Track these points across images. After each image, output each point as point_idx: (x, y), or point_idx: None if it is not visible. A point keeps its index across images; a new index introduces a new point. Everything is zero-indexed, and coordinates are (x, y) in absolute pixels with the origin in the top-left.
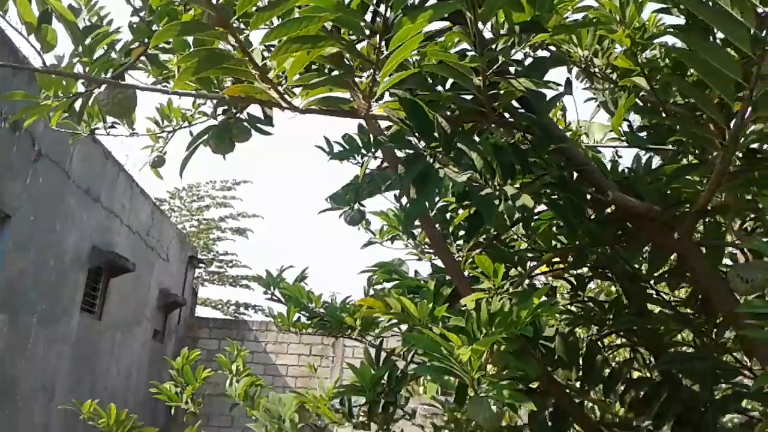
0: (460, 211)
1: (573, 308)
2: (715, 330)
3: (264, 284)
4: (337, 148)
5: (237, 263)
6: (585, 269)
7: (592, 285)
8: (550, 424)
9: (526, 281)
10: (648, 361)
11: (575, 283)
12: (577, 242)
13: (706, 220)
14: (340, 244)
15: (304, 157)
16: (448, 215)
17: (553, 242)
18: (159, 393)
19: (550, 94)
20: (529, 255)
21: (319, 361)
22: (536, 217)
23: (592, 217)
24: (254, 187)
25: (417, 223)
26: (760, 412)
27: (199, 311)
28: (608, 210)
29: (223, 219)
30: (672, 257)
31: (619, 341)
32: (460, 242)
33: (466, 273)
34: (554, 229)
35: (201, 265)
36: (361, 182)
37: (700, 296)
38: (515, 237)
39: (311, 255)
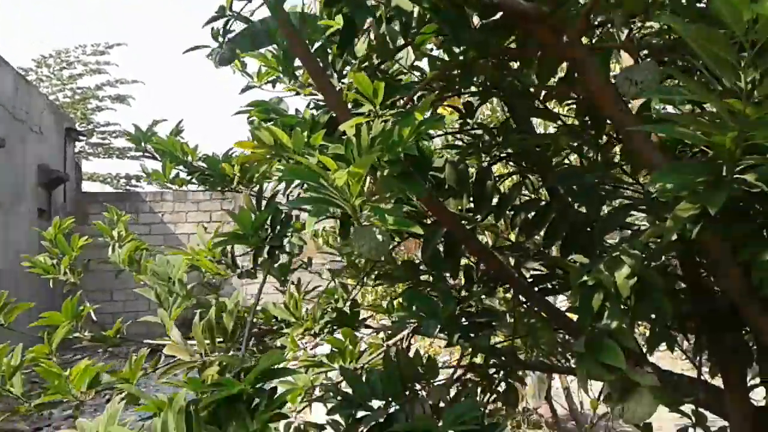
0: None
1: (463, 140)
2: (603, 142)
3: (134, 140)
4: None
5: (120, 134)
6: (473, 95)
7: (481, 113)
8: (442, 253)
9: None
10: (537, 187)
11: (464, 110)
12: (462, 58)
13: (598, 22)
14: (233, 104)
15: (184, 10)
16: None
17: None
18: (33, 267)
19: None
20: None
21: (222, 228)
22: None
23: (479, 26)
24: (130, 50)
25: (298, 63)
26: (648, 220)
27: (88, 187)
28: (495, 17)
29: (99, 87)
30: (563, 65)
31: (509, 170)
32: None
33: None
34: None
35: (81, 137)
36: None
37: (588, 106)
38: (404, 71)
39: (203, 118)
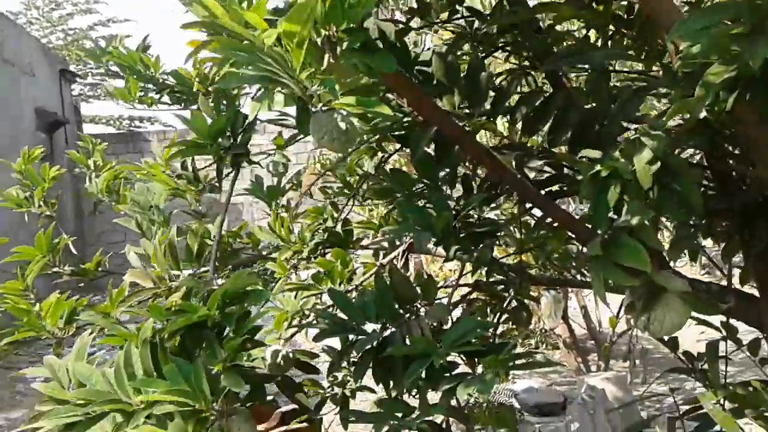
0: None
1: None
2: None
3: (92, 56)
4: None
5: (115, 74)
6: None
7: None
8: (435, 157)
9: None
10: (539, 83)
11: None
12: None
13: None
14: None
15: None
16: None
17: None
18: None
19: None
20: None
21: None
22: None
23: None
24: None
25: None
26: (670, 99)
27: (90, 129)
28: None
29: (92, 27)
30: None
31: (506, 65)
32: None
33: None
34: None
35: (76, 78)
36: None
37: None
38: None
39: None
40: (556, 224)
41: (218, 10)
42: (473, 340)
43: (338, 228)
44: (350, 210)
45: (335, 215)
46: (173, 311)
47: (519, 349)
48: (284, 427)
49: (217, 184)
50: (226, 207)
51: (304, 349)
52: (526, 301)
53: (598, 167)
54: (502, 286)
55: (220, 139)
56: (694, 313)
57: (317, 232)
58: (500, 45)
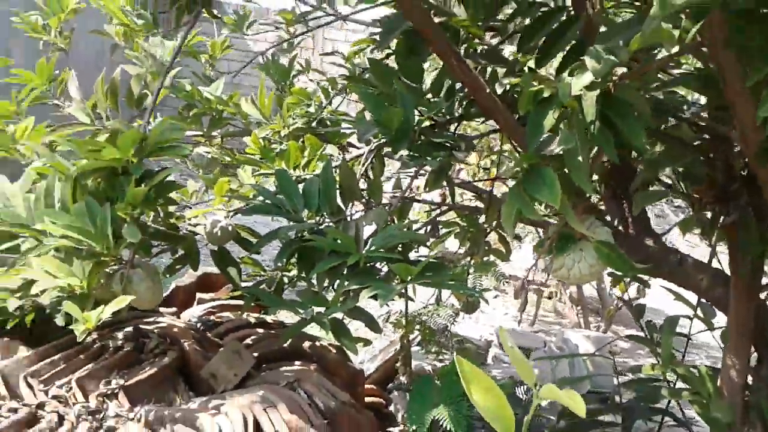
0: None
1: None
2: None
3: None
4: None
5: None
6: None
7: None
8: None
9: None
10: None
11: None
12: None
13: None
14: None
15: None
16: None
17: None
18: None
19: None
20: None
21: None
22: None
23: None
24: None
25: None
26: None
27: None
28: None
29: None
30: None
31: None
32: None
33: None
34: None
35: None
36: None
37: None
38: None
39: None
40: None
41: None
42: (396, 248)
43: (326, 117)
44: (342, 100)
45: (323, 101)
46: (90, 150)
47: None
48: (213, 294)
49: (173, 29)
50: (175, 56)
51: (246, 226)
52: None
53: (536, 85)
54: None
55: None
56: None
57: (302, 116)
58: None
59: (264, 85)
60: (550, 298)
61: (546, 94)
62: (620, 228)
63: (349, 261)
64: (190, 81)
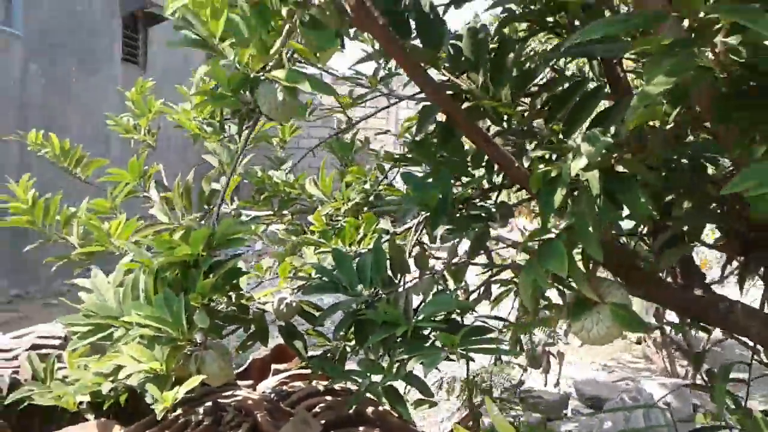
0: None
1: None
2: None
3: None
4: None
5: None
6: None
7: None
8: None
9: None
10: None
11: None
12: None
13: None
14: None
15: None
16: None
17: None
18: (115, 125)
19: None
20: None
21: None
22: None
23: None
24: None
25: None
26: None
27: None
28: None
29: None
30: None
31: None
32: None
33: None
34: None
35: None
36: None
37: None
38: None
39: None
40: None
41: None
42: (441, 316)
43: (380, 191)
44: (395, 175)
45: (379, 177)
46: (167, 246)
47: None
48: (287, 365)
49: (237, 135)
50: (238, 157)
51: (310, 301)
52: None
53: (543, 167)
54: None
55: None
56: None
57: (360, 192)
58: (549, 25)
59: (324, 165)
60: (639, 343)
61: (554, 174)
62: (669, 279)
63: (398, 332)
64: (262, 167)
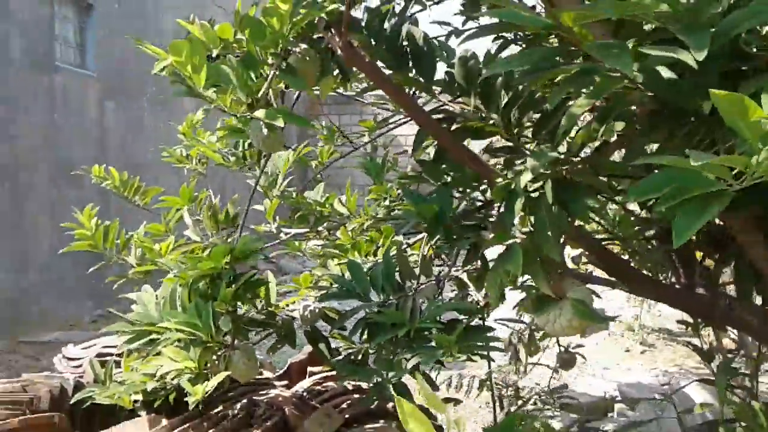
0: None
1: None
2: None
3: None
4: None
5: None
6: None
7: None
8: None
9: None
10: None
11: None
12: None
13: None
14: None
15: None
16: None
17: None
18: (168, 156)
19: None
20: None
21: None
22: None
23: None
24: None
25: None
26: None
27: None
28: None
29: None
30: None
31: None
32: None
33: None
34: None
35: None
36: None
37: None
38: None
39: None
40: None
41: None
42: (437, 318)
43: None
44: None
45: (399, 192)
46: (195, 262)
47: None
48: (321, 367)
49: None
50: (255, 189)
51: (333, 307)
52: None
53: (500, 180)
54: None
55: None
56: None
57: (383, 208)
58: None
59: (350, 186)
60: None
61: (513, 186)
62: (673, 280)
63: (400, 333)
64: (295, 189)
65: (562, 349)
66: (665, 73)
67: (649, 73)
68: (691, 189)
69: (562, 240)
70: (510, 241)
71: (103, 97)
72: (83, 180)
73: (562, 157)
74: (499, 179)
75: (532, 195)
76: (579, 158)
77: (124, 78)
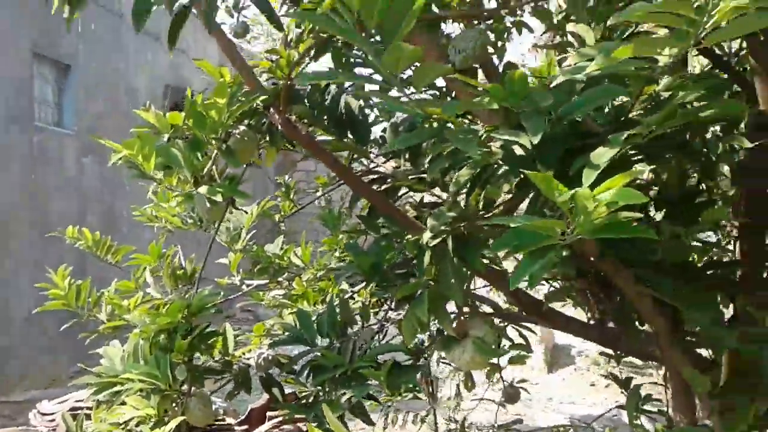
0: None
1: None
2: None
3: None
4: None
5: None
6: None
7: None
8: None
9: None
10: None
11: None
12: None
13: None
14: None
15: None
16: None
17: None
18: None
19: None
20: None
21: None
22: None
23: None
24: None
25: None
26: None
27: None
28: None
29: None
30: None
31: None
32: None
33: None
34: None
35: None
36: None
37: None
38: None
39: None
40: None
41: None
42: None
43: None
44: (364, 242)
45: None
46: (154, 317)
47: None
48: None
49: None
50: (210, 247)
51: (285, 354)
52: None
53: (411, 237)
54: None
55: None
56: None
57: (333, 258)
58: None
59: (305, 236)
60: None
61: (422, 242)
62: (590, 317)
63: (338, 372)
64: (255, 242)
65: (506, 383)
66: (518, 150)
67: (507, 151)
68: (527, 244)
69: (466, 286)
70: (419, 290)
71: (81, 154)
72: (62, 237)
73: (457, 216)
74: (409, 236)
75: (437, 248)
76: (476, 215)
77: (101, 135)
